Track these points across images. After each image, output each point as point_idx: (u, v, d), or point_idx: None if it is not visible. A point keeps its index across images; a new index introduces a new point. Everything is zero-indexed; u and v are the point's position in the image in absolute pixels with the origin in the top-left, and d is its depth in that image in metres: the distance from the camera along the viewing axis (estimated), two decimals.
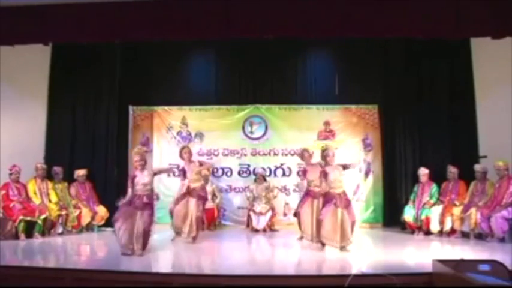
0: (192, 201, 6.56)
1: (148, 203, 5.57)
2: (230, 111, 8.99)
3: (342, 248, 5.74)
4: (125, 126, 8.86)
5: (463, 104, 8.07)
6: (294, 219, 8.53)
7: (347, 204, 5.92)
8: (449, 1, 6.01)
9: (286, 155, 8.85)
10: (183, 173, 6.76)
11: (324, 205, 5.97)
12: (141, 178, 5.56)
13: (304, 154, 6.82)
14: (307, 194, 6.59)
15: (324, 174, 6.02)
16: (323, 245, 5.93)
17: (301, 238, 6.60)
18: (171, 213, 6.69)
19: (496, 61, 7.35)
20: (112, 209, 8.13)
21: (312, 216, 6.28)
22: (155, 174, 5.81)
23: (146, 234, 5.51)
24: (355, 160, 8.21)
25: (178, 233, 6.65)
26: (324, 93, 8.93)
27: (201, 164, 6.95)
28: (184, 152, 6.82)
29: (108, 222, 8.15)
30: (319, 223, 5.97)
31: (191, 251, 6.13)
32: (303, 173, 6.69)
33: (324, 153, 6.09)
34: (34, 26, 6.32)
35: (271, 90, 8.99)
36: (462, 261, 3.90)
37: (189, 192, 6.59)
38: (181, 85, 9.03)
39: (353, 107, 8.88)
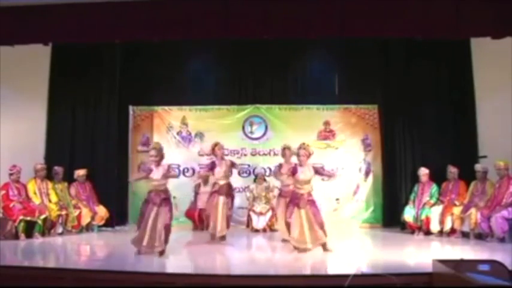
0: (221, 199, 6.58)
1: (166, 198, 5.53)
2: (230, 111, 8.98)
3: (324, 248, 5.66)
4: (125, 126, 8.86)
5: (463, 104, 8.07)
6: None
7: (311, 205, 5.77)
8: (449, 1, 6.01)
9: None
10: (212, 168, 6.78)
11: (288, 206, 5.88)
12: (156, 174, 5.50)
13: (285, 152, 6.77)
14: (280, 195, 6.69)
15: (292, 171, 5.85)
16: (296, 248, 5.72)
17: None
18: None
19: (496, 61, 7.34)
20: (112, 209, 8.20)
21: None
22: (169, 169, 5.74)
23: (167, 230, 5.43)
24: (338, 169, 8.24)
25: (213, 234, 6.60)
26: (324, 93, 8.93)
27: (232, 164, 6.91)
28: (218, 148, 6.81)
29: (108, 222, 8.19)
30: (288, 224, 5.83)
31: (191, 250, 6.13)
32: (279, 167, 6.61)
33: (297, 152, 5.92)
34: (34, 26, 6.32)
35: (271, 90, 8.99)
36: (462, 261, 3.89)
37: (217, 190, 6.64)
38: (181, 85, 9.02)
39: (353, 107, 8.88)
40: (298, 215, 5.68)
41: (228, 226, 6.70)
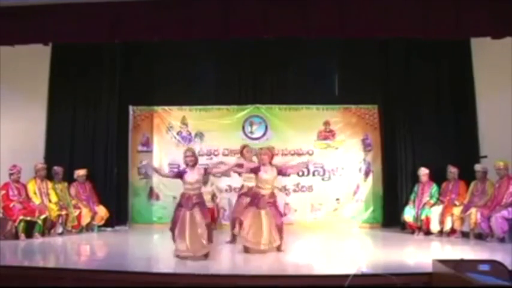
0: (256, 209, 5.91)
1: (199, 202, 5.40)
2: (230, 111, 8.98)
3: (278, 249, 5.56)
4: (125, 126, 8.86)
5: (463, 104, 8.07)
6: (294, 219, 8.60)
7: (271, 206, 5.66)
8: (449, 1, 6.01)
9: (286, 155, 8.82)
10: (255, 171, 6.06)
11: (247, 206, 5.78)
12: (191, 176, 5.38)
13: (243, 151, 6.69)
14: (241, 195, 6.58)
15: (254, 171, 5.71)
16: (246, 249, 5.59)
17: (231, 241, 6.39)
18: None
19: (496, 61, 7.34)
20: (112, 209, 8.21)
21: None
22: (207, 174, 5.66)
23: (209, 228, 5.33)
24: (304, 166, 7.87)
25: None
26: (324, 93, 8.94)
27: (280, 171, 5.87)
28: (246, 151, 6.71)
29: (108, 222, 8.19)
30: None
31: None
32: (238, 167, 6.27)
33: (259, 152, 5.83)
34: (34, 26, 6.31)
35: (271, 90, 8.99)
36: (462, 261, 3.89)
37: (245, 192, 6.38)
38: (181, 85, 9.02)
39: (353, 107, 8.88)
40: (256, 215, 5.58)
41: (281, 237, 6.45)
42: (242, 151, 6.78)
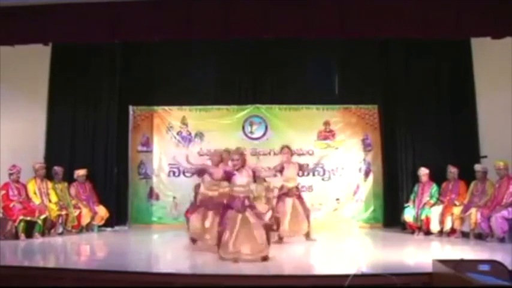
0: (290, 201, 6.63)
1: (250, 205, 5.32)
2: (230, 111, 8.98)
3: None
4: (125, 126, 8.86)
5: (463, 104, 8.07)
6: None
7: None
8: (449, 1, 6.01)
9: None
10: (280, 170, 6.75)
11: (223, 213, 5.35)
12: (239, 179, 5.29)
13: (213, 157, 6.53)
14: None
15: (228, 176, 5.38)
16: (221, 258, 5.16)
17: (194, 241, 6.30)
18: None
19: (496, 61, 7.34)
20: (112, 209, 8.20)
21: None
22: (255, 176, 5.52)
23: (267, 229, 5.29)
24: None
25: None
26: (324, 93, 8.94)
27: (300, 166, 6.99)
28: (285, 152, 6.85)
29: (108, 222, 8.19)
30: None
31: (191, 251, 6.12)
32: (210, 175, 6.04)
33: (231, 157, 5.49)
34: (34, 26, 6.31)
35: (271, 90, 8.99)
36: (462, 261, 3.89)
37: (286, 192, 6.66)
38: (181, 85, 9.01)
39: (353, 107, 8.88)
40: (233, 219, 5.20)
41: (309, 223, 6.70)
42: (281, 151, 6.91)
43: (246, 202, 5.27)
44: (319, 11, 6.07)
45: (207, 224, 5.89)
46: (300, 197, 6.81)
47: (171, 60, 8.86)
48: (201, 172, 5.85)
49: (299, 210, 6.66)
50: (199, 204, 6.23)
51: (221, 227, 5.23)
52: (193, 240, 6.23)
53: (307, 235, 6.68)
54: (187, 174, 8.76)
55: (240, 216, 5.15)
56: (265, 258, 5.08)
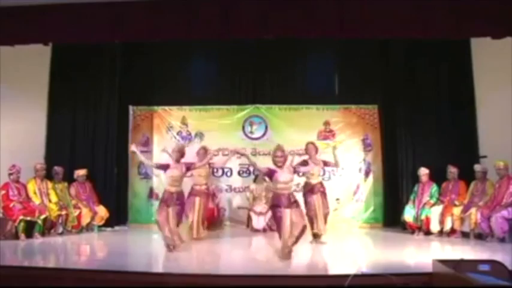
0: (316, 197, 6.57)
1: (296, 201, 5.42)
2: (230, 111, 8.98)
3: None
4: (125, 126, 8.86)
5: (463, 104, 8.06)
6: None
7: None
8: (449, 1, 6.01)
9: None
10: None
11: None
12: (282, 176, 5.37)
13: (200, 151, 7.12)
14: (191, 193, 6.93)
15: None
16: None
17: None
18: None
19: (496, 61, 7.34)
20: (112, 209, 8.20)
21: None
22: (295, 171, 5.62)
23: (303, 230, 5.33)
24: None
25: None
26: (324, 93, 8.94)
27: (325, 163, 6.76)
28: (310, 148, 6.73)
29: (108, 222, 8.19)
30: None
31: (191, 251, 6.13)
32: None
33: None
34: (34, 26, 6.31)
35: (271, 90, 9.00)
36: (462, 261, 3.89)
37: (310, 189, 6.62)
38: (181, 85, 9.03)
39: (353, 107, 8.88)
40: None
41: (325, 223, 6.65)
42: (306, 148, 6.83)
43: (292, 198, 5.37)
44: (319, 11, 6.07)
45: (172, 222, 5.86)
46: (323, 193, 6.66)
47: (171, 60, 8.86)
48: (164, 167, 6.00)
49: (321, 208, 6.56)
50: (161, 204, 6.03)
51: (279, 228, 5.32)
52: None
53: (317, 236, 6.51)
54: (187, 174, 8.76)
55: (288, 212, 5.25)
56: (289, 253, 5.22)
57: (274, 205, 5.42)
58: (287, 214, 5.26)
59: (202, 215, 7.03)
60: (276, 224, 5.48)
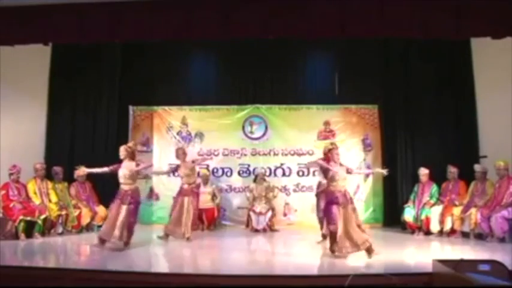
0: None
1: (351, 198, 5.53)
2: (230, 111, 8.99)
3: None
4: (125, 126, 8.87)
5: (463, 104, 8.08)
6: (294, 219, 8.60)
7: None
8: (449, 1, 6.01)
9: (286, 155, 8.85)
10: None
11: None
12: (340, 172, 5.43)
13: (178, 152, 7.21)
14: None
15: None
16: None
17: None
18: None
19: (496, 61, 7.35)
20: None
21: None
22: (348, 172, 5.64)
23: (360, 228, 5.44)
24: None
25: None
26: (324, 93, 8.94)
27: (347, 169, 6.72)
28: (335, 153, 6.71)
29: None
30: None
31: (191, 251, 6.13)
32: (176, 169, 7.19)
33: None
34: (34, 26, 6.30)
35: (271, 90, 9.00)
36: (462, 261, 3.90)
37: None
38: (181, 85, 9.04)
39: (353, 107, 8.88)
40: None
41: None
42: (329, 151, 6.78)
43: (347, 195, 5.43)
44: (319, 11, 6.06)
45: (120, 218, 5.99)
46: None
47: (171, 60, 8.86)
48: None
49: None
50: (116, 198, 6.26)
51: (333, 225, 5.29)
52: (102, 241, 6.16)
53: (325, 237, 6.34)
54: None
55: (343, 210, 5.29)
56: (369, 249, 5.18)
57: (330, 201, 5.41)
58: (341, 213, 5.29)
59: (193, 214, 6.97)
60: (331, 223, 5.33)
